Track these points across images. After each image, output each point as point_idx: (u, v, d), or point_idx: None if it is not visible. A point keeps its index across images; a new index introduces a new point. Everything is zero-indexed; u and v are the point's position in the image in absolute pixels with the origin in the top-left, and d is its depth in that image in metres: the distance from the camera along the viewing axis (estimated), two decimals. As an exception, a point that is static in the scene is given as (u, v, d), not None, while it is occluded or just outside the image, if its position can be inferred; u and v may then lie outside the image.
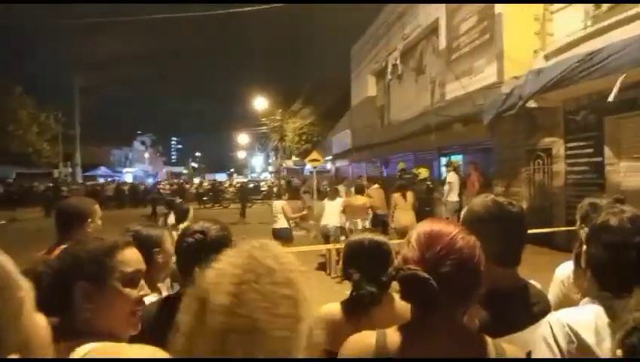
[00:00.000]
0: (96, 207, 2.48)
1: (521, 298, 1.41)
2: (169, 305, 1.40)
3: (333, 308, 1.62)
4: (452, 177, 10.67)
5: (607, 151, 7.76)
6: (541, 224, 7.31)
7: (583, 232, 1.37)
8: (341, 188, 11.29)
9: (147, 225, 1.97)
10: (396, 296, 1.54)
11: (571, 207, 8.45)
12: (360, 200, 8.73)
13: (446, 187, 10.48)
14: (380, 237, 1.72)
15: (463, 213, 1.50)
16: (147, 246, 1.68)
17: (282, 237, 7.59)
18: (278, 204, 8.42)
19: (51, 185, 26.91)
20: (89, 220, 2.35)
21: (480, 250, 1.10)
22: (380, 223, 9.17)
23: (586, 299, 1.26)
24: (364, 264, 1.60)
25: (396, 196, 8.44)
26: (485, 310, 1.26)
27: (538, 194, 9.13)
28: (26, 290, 0.71)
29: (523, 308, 1.38)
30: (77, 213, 2.37)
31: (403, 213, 8.22)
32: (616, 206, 1.38)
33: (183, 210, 6.06)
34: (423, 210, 10.90)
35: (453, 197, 10.48)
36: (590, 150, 8.08)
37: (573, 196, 8.47)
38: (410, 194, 8.60)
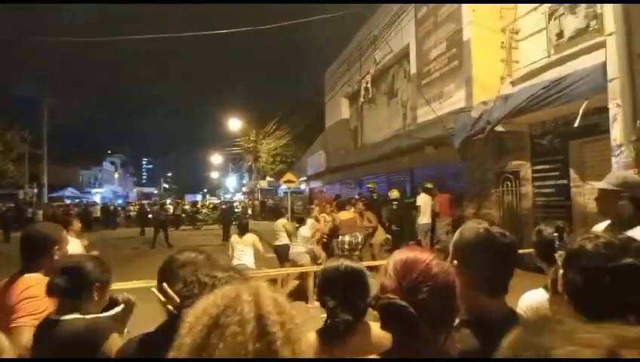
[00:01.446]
0: (64, 233, 2.38)
1: (509, 326, 1.39)
2: (150, 344, 1.33)
3: (308, 338, 1.59)
4: (421, 200, 10.90)
5: (572, 173, 8.04)
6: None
7: (558, 256, 1.39)
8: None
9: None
10: (372, 324, 1.53)
11: (539, 228, 8.68)
12: (347, 214, 8.85)
13: (419, 209, 10.72)
14: (355, 264, 1.71)
15: (454, 236, 1.49)
16: None
17: (283, 253, 8.05)
18: (279, 222, 8.83)
19: (12, 205, 25.94)
20: (56, 247, 2.25)
21: (455, 276, 1.11)
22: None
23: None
24: (340, 291, 1.58)
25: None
26: (473, 339, 1.25)
27: (508, 216, 9.34)
28: None
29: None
30: (43, 240, 2.26)
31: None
32: (590, 231, 1.41)
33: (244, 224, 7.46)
34: (392, 229, 11.13)
35: (424, 219, 10.70)
36: (556, 173, 8.36)
37: (541, 218, 8.70)
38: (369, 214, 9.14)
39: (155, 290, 1.37)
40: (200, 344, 0.70)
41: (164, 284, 1.34)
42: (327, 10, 12.81)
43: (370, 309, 1.28)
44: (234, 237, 7.37)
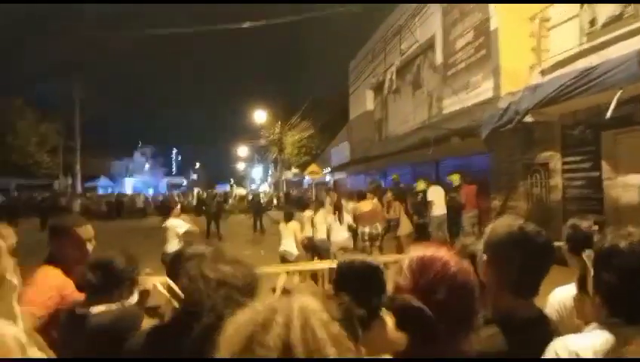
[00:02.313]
0: (89, 226, 2.43)
1: (537, 329, 1.35)
2: (159, 338, 1.33)
3: None
4: (432, 194, 10.75)
5: (604, 165, 7.77)
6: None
7: (586, 255, 1.33)
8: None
9: None
10: (388, 320, 1.53)
11: (569, 221, 8.45)
12: (367, 205, 8.85)
13: (431, 203, 10.62)
14: (371, 259, 1.71)
15: (485, 232, 1.43)
16: None
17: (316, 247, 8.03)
18: (306, 215, 8.47)
19: (48, 195, 26.88)
20: (80, 239, 2.31)
21: (473, 275, 1.08)
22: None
23: (594, 325, 1.21)
24: (355, 286, 1.58)
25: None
26: (497, 340, 1.22)
27: (536, 209, 9.12)
28: None
29: (541, 339, 1.32)
30: (68, 231, 2.32)
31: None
32: (622, 228, 1.32)
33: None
34: (418, 222, 11.04)
35: (437, 211, 10.54)
36: (587, 165, 8.09)
37: (571, 211, 8.46)
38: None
39: (159, 285, 1.38)
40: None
41: (168, 280, 1.35)
42: (353, 5, 12.68)
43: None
44: (281, 225, 7.71)
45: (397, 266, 1.14)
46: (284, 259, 7.38)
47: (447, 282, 1.03)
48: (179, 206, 7.30)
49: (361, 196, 9.23)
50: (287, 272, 6.90)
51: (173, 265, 1.58)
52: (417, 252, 1.11)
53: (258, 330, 0.69)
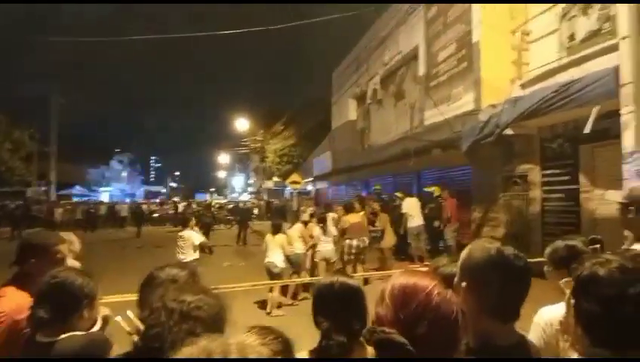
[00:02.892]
0: (64, 245, 2.27)
1: (517, 355, 1.31)
2: None
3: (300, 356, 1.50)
4: (406, 205, 10.81)
5: (582, 179, 7.89)
6: (519, 250, 7.32)
7: (563, 283, 1.28)
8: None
9: None
10: (369, 348, 1.44)
11: (548, 233, 8.53)
12: (355, 218, 8.77)
13: (406, 215, 10.70)
14: (351, 281, 1.62)
15: (462, 255, 1.38)
16: None
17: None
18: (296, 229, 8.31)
19: (21, 203, 26.12)
20: (51, 257, 2.15)
21: (457, 305, 1.01)
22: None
23: (575, 357, 1.18)
24: (334, 310, 1.49)
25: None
26: None
27: (515, 220, 9.20)
28: None
29: None
30: (39, 249, 2.16)
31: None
32: (598, 254, 1.29)
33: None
34: (398, 233, 11.04)
35: (413, 222, 10.60)
36: (566, 177, 8.21)
37: (550, 223, 8.57)
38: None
39: (120, 319, 1.27)
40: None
41: (129, 312, 1.24)
42: (336, 11, 12.72)
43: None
44: (268, 236, 7.52)
45: (379, 293, 1.05)
46: (269, 271, 7.21)
47: (429, 314, 0.97)
48: (194, 219, 7.71)
49: (349, 208, 9.14)
50: (271, 288, 6.89)
51: (143, 290, 1.46)
52: (400, 279, 1.03)
53: None
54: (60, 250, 2.23)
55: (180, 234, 7.10)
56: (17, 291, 2.05)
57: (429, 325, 0.95)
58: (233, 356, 0.66)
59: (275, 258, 7.18)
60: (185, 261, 6.42)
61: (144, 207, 30.33)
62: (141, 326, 1.16)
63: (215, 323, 1.14)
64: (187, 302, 1.15)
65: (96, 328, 1.78)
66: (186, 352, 0.69)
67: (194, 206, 31.55)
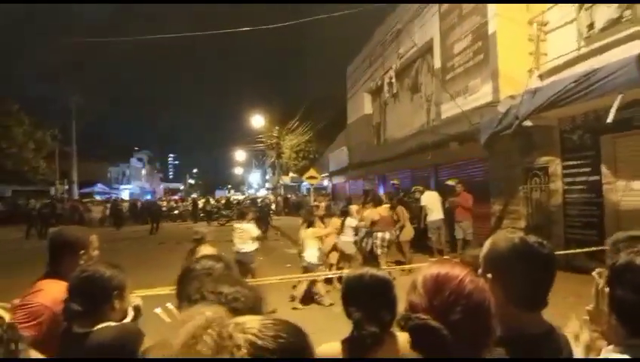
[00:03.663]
0: (94, 237, 2.35)
1: (547, 344, 1.32)
2: None
3: (333, 348, 1.56)
4: (425, 199, 10.75)
5: (604, 169, 7.77)
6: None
7: (596, 273, 1.29)
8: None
9: None
10: (399, 335, 1.50)
11: (570, 225, 8.44)
12: (384, 211, 8.87)
13: (424, 209, 10.67)
14: (380, 272, 1.67)
15: (484, 248, 1.39)
16: None
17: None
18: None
19: (48, 201, 26.69)
20: (81, 252, 2.24)
21: (489, 293, 1.05)
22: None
23: (611, 347, 1.17)
24: (365, 301, 1.54)
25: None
26: (510, 356, 1.18)
27: (536, 213, 9.11)
28: None
29: (550, 355, 1.30)
30: (70, 244, 2.25)
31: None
32: (637, 245, 1.28)
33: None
34: (415, 227, 11.03)
35: (433, 216, 10.54)
36: (587, 169, 8.09)
37: (572, 215, 8.47)
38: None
39: (159, 311, 1.33)
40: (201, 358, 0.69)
41: (169, 305, 1.31)
42: (350, 7, 12.69)
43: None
44: (302, 231, 7.65)
45: (411, 283, 1.10)
46: (306, 271, 7.27)
47: (462, 301, 1.00)
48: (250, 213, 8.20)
49: (377, 201, 9.28)
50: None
51: (181, 282, 1.53)
52: (431, 269, 1.07)
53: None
54: (90, 245, 2.31)
55: (238, 226, 7.56)
56: (54, 284, 2.13)
57: (462, 312, 0.97)
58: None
59: (307, 253, 7.26)
60: (243, 251, 7.19)
61: (163, 203, 30.64)
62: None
63: (252, 313, 1.20)
64: (224, 293, 1.19)
65: (128, 319, 1.87)
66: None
67: (213, 202, 31.85)
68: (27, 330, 1.90)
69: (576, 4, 8.25)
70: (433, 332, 0.94)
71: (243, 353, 0.67)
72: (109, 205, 29.99)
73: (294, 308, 6.90)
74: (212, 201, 33.25)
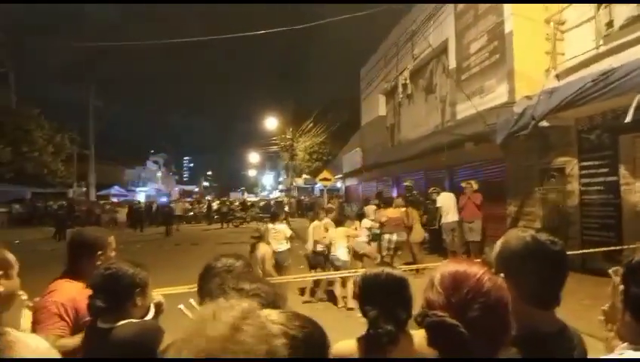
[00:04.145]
0: (112, 238, 2.40)
1: (560, 342, 1.32)
2: None
3: (349, 346, 1.57)
4: (442, 200, 10.68)
5: (622, 170, 7.63)
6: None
7: (612, 271, 1.29)
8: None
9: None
10: (414, 333, 1.50)
11: (587, 227, 8.30)
12: (395, 212, 8.85)
13: (440, 210, 10.63)
14: (396, 271, 1.68)
15: (496, 247, 1.40)
16: None
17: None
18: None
19: (64, 203, 27.15)
20: (99, 252, 2.29)
21: (507, 291, 1.05)
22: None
23: (626, 345, 1.16)
24: (381, 300, 1.55)
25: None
26: (523, 355, 1.18)
27: (552, 214, 8.98)
28: None
29: (563, 354, 1.30)
30: (88, 245, 2.30)
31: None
32: None
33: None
34: (430, 229, 10.95)
35: (448, 218, 10.48)
36: (605, 169, 7.95)
37: (589, 216, 8.33)
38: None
39: (182, 307, 1.36)
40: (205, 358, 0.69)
41: (192, 301, 1.33)
42: (365, 8, 12.69)
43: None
44: (331, 230, 7.71)
45: (428, 281, 1.10)
46: (332, 265, 7.37)
47: (480, 299, 0.99)
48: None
49: (388, 203, 9.27)
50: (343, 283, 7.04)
51: (202, 279, 1.56)
52: (449, 267, 1.07)
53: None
54: (109, 246, 2.36)
55: (272, 227, 7.70)
56: (67, 284, 2.20)
57: (480, 309, 0.97)
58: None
59: (339, 252, 7.34)
60: (279, 251, 7.32)
61: (179, 205, 30.82)
62: None
63: (272, 309, 1.23)
64: (246, 289, 1.22)
65: (150, 315, 1.92)
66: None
67: (229, 204, 32.01)
68: (52, 331, 1.96)
69: (596, 2, 8.13)
70: (450, 329, 0.95)
71: (281, 342, 0.69)
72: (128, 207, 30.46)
73: (306, 302, 7.06)
74: (228, 203, 33.47)
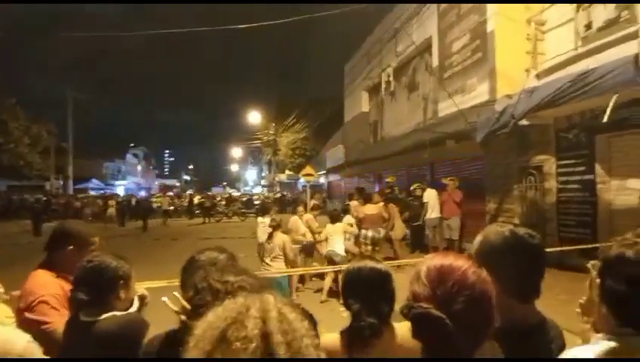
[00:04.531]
0: (95, 239, 2.35)
1: (540, 335, 1.36)
2: (172, 343, 1.33)
3: (331, 339, 1.58)
4: (428, 196, 10.83)
5: (598, 169, 7.82)
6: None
7: (591, 265, 1.32)
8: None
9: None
10: (396, 326, 1.52)
11: (563, 224, 8.50)
12: (372, 209, 8.89)
13: (426, 206, 10.81)
14: (380, 265, 1.69)
15: (475, 243, 1.43)
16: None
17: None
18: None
19: (42, 196, 26.53)
20: (81, 247, 2.24)
21: (491, 284, 1.07)
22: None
23: (601, 335, 1.20)
24: (364, 293, 1.56)
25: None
26: (504, 348, 1.20)
27: (530, 211, 9.16)
28: None
29: (543, 346, 1.34)
30: (69, 238, 2.26)
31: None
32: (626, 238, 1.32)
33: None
34: (412, 224, 11.08)
35: (433, 214, 10.65)
36: (582, 168, 8.15)
37: (565, 213, 8.53)
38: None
39: (166, 299, 1.35)
40: (205, 358, 0.69)
41: (175, 293, 1.33)
42: (348, 5, 12.69)
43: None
44: (328, 226, 7.71)
45: (414, 273, 1.11)
46: (330, 260, 7.36)
47: (466, 292, 1.01)
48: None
49: (367, 199, 9.30)
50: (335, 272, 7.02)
51: (185, 273, 1.55)
52: (435, 260, 1.09)
53: (231, 325, 0.69)
54: (95, 241, 2.33)
55: (262, 220, 7.75)
56: (43, 274, 2.19)
57: (465, 302, 0.99)
58: (272, 314, 0.71)
59: (337, 247, 7.39)
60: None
61: (166, 200, 30.01)
62: (188, 306, 1.24)
63: None
64: (231, 282, 1.22)
65: (133, 308, 1.90)
66: (227, 305, 0.74)
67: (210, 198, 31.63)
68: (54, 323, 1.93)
69: (574, 4, 8.29)
70: (435, 321, 0.96)
71: (284, 328, 0.70)
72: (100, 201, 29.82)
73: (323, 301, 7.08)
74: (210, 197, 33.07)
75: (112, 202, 26.89)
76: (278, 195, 34.24)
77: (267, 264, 6.17)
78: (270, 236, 6.27)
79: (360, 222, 8.76)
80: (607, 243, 1.78)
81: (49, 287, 2.11)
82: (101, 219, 24.32)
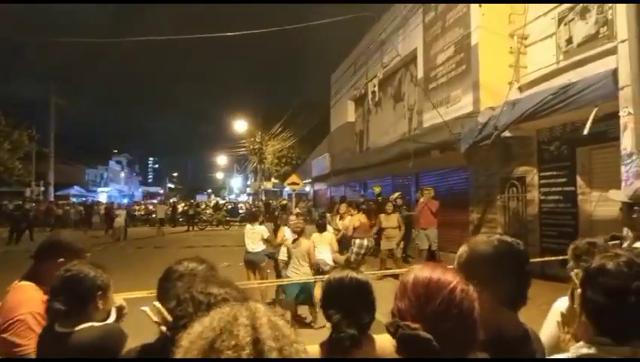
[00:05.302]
0: (89, 254, 2.24)
1: (525, 345, 1.35)
2: (150, 355, 1.29)
3: (311, 351, 1.55)
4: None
5: (579, 180, 7.96)
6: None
7: (574, 274, 1.34)
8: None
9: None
10: (376, 337, 1.50)
11: (545, 235, 8.60)
12: (363, 217, 8.97)
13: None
14: (360, 276, 1.67)
15: (460, 253, 1.40)
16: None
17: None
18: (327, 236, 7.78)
19: (20, 203, 25.96)
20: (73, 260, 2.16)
21: (476, 300, 1.05)
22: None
23: (581, 344, 1.22)
24: (345, 304, 1.54)
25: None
26: (492, 357, 1.19)
27: (513, 222, 9.26)
28: None
29: (527, 356, 1.34)
30: (60, 249, 2.14)
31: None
32: (609, 250, 1.33)
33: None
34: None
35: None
36: (563, 179, 8.29)
37: (548, 224, 8.64)
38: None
39: (146, 309, 1.31)
40: None
41: (156, 303, 1.29)
42: (335, 14, 12.79)
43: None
44: (315, 235, 7.54)
45: (399, 286, 1.09)
46: (318, 270, 7.24)
47: (454, 311, 0.98)
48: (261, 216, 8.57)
49: (358, 208, 9.44)
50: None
51: (163, 284, 1.51)
52: (422, 273, 1.05)
53: (220, 335, 0.68)
54: (87, 256, 2.20)
55: (250, 228, 7.92)
56: (26, 287, 2.07)
57: (453, 321, 0.97)
58: (262, 321, 0.70)
59: (325, 256, 7.21)
60: (254, 251, 7.65)
61: (162, 208, 29.17)
62: (169, 317, 1.20)
63: None
64: (214, 294, 1.18)
65: (111, 319, 1.84)
66: (214, 316, 0.73)
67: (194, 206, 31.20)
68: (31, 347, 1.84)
69: (556, 19, 8.48)
70: (423, 343, 0.93)
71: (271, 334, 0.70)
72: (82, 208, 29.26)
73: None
74: (202, 206, 32.50)
75: (100, 208, 26.44)
76: (261, 203, 34.09)
77: (294, 268, 6.27)
78: (295, 241, 6.42)
79: (355, 230, 8.82)
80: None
81: (30, 304, 1.98)
82: (86, 225, 23.84)
